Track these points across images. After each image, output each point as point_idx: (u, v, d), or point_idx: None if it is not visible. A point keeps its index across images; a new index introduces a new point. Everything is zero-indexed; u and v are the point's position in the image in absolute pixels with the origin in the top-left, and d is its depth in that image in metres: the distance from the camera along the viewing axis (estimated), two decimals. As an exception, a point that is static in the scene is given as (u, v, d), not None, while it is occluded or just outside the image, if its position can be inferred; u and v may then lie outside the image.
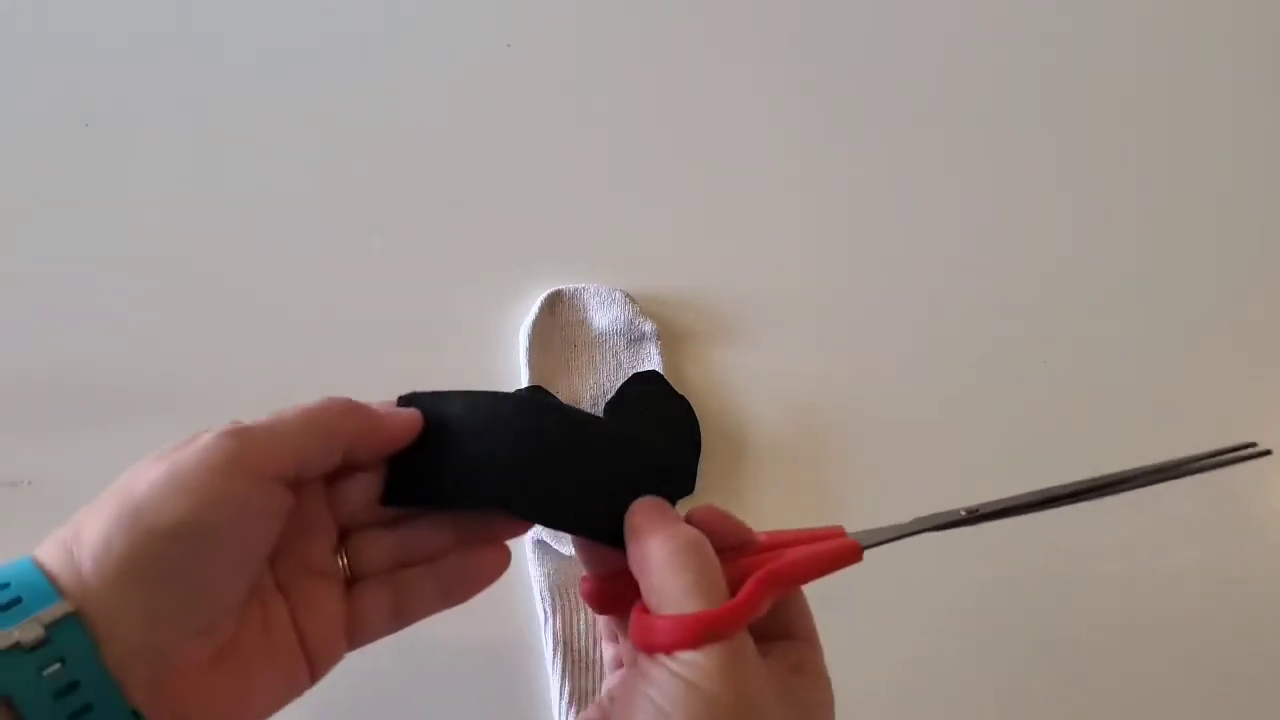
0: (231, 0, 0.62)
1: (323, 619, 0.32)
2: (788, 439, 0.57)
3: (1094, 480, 0.38)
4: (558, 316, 0.57)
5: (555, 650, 0.53)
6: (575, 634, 0.53)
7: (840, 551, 0.34)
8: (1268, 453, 0.35)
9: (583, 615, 0.54)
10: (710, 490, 0.56)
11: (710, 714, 0.29)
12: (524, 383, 0.55)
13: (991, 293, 0.60)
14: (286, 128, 0.60)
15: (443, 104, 0.62)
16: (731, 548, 0.34)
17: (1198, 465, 0.36)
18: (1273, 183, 0.64)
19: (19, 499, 0.52)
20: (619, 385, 0.55)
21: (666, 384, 0.55)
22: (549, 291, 0.57)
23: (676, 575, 0.31)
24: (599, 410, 0.55)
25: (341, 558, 0.33)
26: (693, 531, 0.33)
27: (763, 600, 0.32)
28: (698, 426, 0.56)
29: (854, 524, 0.56)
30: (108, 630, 0.26)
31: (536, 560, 0.54)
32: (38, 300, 0.56)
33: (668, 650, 0.30)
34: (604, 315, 0.57)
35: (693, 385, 0.57)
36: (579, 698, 0.52)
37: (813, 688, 0.33)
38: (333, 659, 0.33)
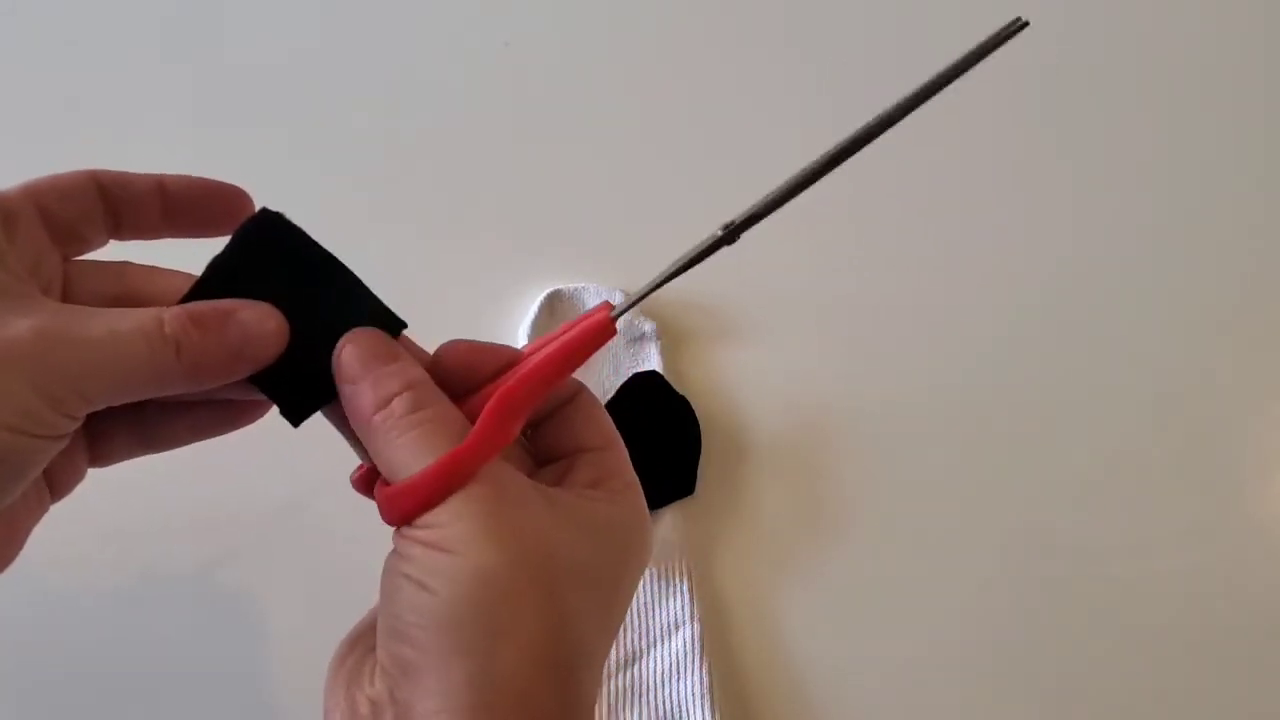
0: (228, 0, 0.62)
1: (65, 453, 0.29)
2: (788, 439, 0.57)
3: (860, 131, 0.31)
4: (558, 316, 0.57)
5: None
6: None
7: (586, 334, 0.29)
8: (1026, 24, 0.30)
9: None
10: (710, 490, 0.55)
11: (472, 571, 0.25)
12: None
13: (993, 292, 0.60)
14: (285, 127, 0.60)
15: (442, 103, 0.62)
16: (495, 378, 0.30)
17: (973, 56, 0.30)
18: (1274, 183, 0.64)
19: None
20: (619, 385, 0.55)
21: (666, 384, 0.55)
22: (549, 291, 0.56)
23: (398, 432, 0.27)
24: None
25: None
26: (409, 370, 0.28)
27: (505, 425, 0.28)
28: (698, 426, 0.56)
29: (858, 525, 0.56)
30: None
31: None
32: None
33: (410, 518, 0.26)
34: (604, 315, 0.56)
35: (693, 385, 0.57)
36: (579, 698, 0.52)
37: (612, 501, 0.29)
38: (75, 484, 0.31)
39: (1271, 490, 0.58)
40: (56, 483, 0.31)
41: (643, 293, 0.30)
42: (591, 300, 0.57)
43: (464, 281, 0.58)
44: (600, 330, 0.29)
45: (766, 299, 0.59)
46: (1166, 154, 0.64)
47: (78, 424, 0.26)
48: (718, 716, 0.52)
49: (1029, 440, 0.58)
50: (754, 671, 0.54)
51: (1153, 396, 0.59)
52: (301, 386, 0.29)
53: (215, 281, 0.29)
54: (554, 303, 0.56)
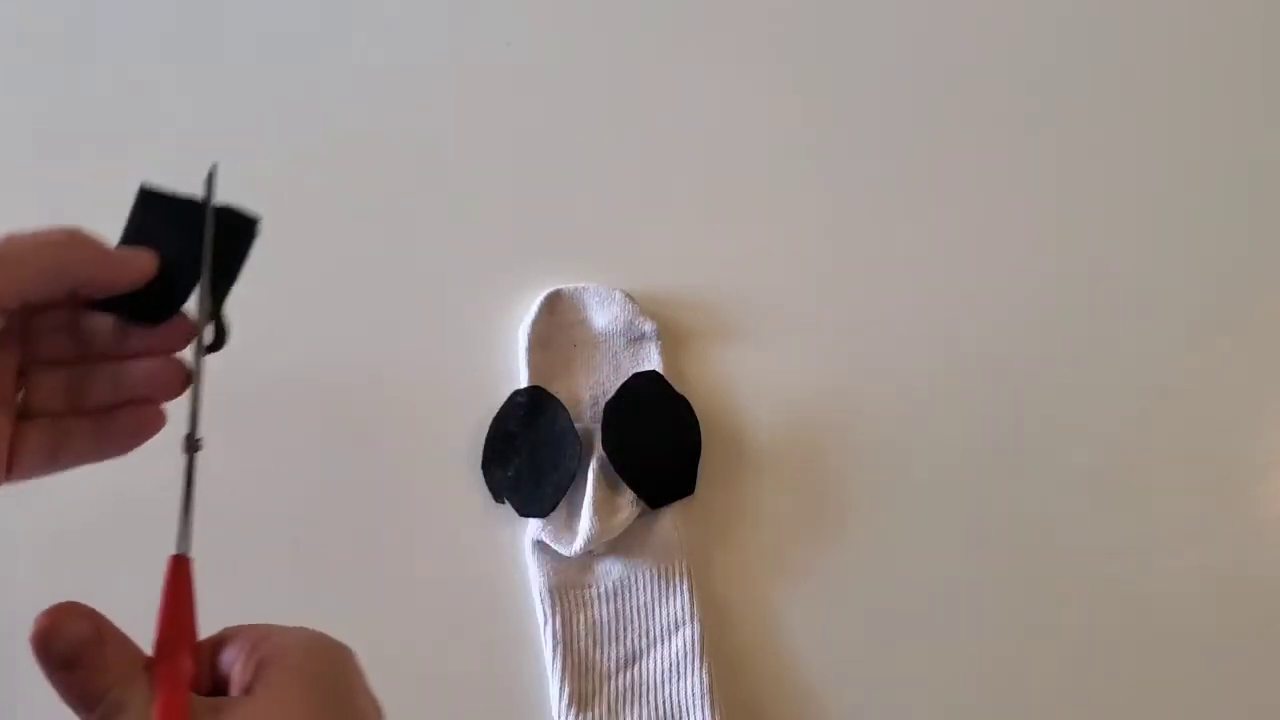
0: (230, -1, 0.62)
1: None
2: (788, 439, 0.57)
3: None
4: (558, 316, 0.57)
5: (555, 651, 0.53)
6: (575, 635, 0.53)
7: (173, 584, 0.30)
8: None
9: (582, 616, 0.54)
10: (710, 490, 0.55)
11: None
12: (524, 383, 0.55)
13: (993, 292, 0.60)
14: (286, 125, 0.60)
15: (442, 102, 0.62)
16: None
17: None
18: (1273, 184, 0.64)
19: None
20: (619, 385, 0.55)
21: (666, 384, 0.55)
22: (549, 291, 0.56)
23: None
24: (599, 411, 0.55)
25: (20, 390, 0.33)
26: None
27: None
28: (698, 427, 0.56)
29: (858, 525, 0.56)
30: None
31: (536, 561, 0.54)
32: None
33: None
34: (603, 315, 0.57)
35: (693, 385, 0.57)
36: (579, 699, 0.52)
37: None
38: None
39: (1271, 490, 0.58)
40: None
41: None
42: (591, 300, 0.57)
43: (464, 281, 0.58)
44: (174, 575, 0.30)
45: (767, 299, 0.59)
46: (1166, 153, 0.64)
47: None
48: (718, 716, 0.52)
49: (1029, 440, 0.58)
50: (754, 671, 0.54)
51: (1153, 396, 0.59)
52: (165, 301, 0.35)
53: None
54: (554, 303, 0.56)
